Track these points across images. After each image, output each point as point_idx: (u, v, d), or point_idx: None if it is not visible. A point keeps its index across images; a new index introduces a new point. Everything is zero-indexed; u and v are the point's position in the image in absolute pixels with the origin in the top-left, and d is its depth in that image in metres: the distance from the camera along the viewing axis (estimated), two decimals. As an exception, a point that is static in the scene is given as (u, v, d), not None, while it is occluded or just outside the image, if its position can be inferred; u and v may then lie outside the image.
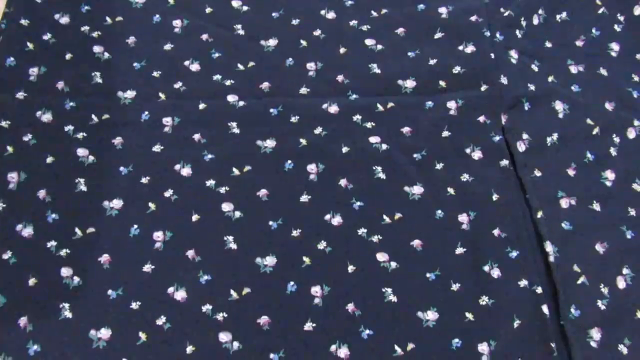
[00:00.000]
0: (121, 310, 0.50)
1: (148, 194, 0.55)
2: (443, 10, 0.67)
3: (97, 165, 0.56)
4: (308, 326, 0.51)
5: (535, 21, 0.67)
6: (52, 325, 0.49)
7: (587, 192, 0.59)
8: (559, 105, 0.63)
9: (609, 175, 0.60)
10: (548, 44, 0.67)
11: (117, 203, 0.55)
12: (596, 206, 0.58)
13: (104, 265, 0.52)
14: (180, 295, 0.51)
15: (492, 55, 0.64)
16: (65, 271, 0.52)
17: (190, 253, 0.53)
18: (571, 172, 0.60)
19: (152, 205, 0.55)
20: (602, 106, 0.64)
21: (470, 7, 0.67)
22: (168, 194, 0.56)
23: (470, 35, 0.65)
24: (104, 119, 0.59)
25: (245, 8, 0.66)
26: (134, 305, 0.51)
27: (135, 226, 0.54)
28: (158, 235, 0.54)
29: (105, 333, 0.49)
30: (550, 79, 0.64)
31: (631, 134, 0.62)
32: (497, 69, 0.63)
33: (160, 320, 0.50)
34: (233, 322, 0.51)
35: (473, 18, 0.66)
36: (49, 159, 0.56)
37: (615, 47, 0.67)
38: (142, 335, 0.50)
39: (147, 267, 0.52)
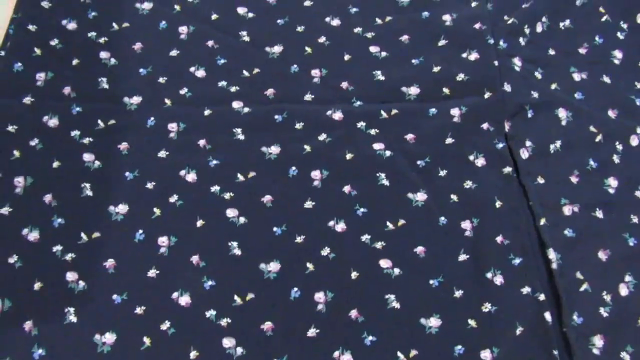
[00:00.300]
0: (126, 315, 0.51)
1: (153, 199, 0.56)
2: (447, 17, 0.67)
3: (103, 170, 0.57)
4: (311, 332, 0.51)
5: (539, 29, 0.68)
6: (57, 330, 0.50)
7: (590, 199, 0.59)
8: (562, 113, 0.63)
9: (612, 182, 0.60)
10: (551, 52, 0.67)
11: (122, 208, 0.55)
12: (599, 213, 0.58)
13: (109, 270, 0.53)
14: (184, 300, 0.52)
15: (496, 63, 0.64)
16: (71, 275, 0.52)
17: (195, 258, 0.54)
18: (574, 180, 0.60)
19: (157, 211, 0.55)
20: (605, 114, 0.64)
21: (474, 14, 0.67)
22: (173, 199, 0.56)
23: (473, 42, 0.65)
24: (110, 125, 0.59)
25: (250, 15, 0.66)
26: (139, 310, 0.51)
27: (140, 231, 0.54)
28: (163, 240, 0.54)
29: (109, 338, 0.50)
30: (553, 86, 0.65)
31: (634, 141, 0.63)
32: (500, 76, 0.63)
33: (165, 325, 0.51)
34: (237, 327, 0.51)
35: (477, 25, 0.66)
36: (55, 164, 0.56)
37: (618, 54, 0.68)
38: (147, 340, 0.50)
39: (152, 272, 0.53)
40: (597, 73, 0.66)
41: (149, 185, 0.56)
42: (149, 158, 0.58)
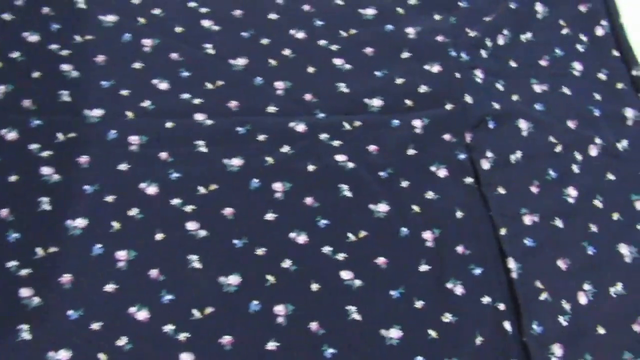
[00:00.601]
0: (81, 331, 0.50)
1: (112, 213, 0.55)
2: (410, 30, 0.68)
3: (62, 184, 0.56)
4: (271, 345, 0.51)
5: (501, 41, 0.69)
6: (10, 347, 0.48)
7: (549, 209, 0.60)
8: (523, 124, 0.64)
9: (571, 192, 0.61)
10: (513, 64, 0.68)
11: (80, 222, 0.54)
12: (558, 223, 0.59)
13: (65, 286, 0.52)
14: (142, 315, 0.51)
15: (458, 75, 0.65)
16: (25, 292, 0.51)
17: (154, 272, 0.53)
18: (534, 190, 0.61)
19: (116, 224, 0.55)
20: (565, 124, 0.65)
21: (436, 27, 0.68)
22: (133, 212, 0.55)
23: (436, 55, 0.66)
24: (70, 138, 0.58)
25: (215, 28, 0.67)
26: (95, 326, 0.50)
27: (99, 245, 0.54)
28: (121, 254, 0.53)
29: (64, 355, 0.49)
30: (514, 97, 0.66)
31: (592, 151, 0.64)
32: (462, 88, 0.64)
33: (121, 341, 0.50)
34: (195, 342, 0.50)
35: (439, 38, 0.67)
36: (13, 178, 0.55)
37: (578, 66, 0.69)
38: (102, 357, 0.49)
39: (109, 287, 0.52)
40: (557, 84, 0.67)
41: (109, 199, 0.56)
42: (109, 171, 0.57)
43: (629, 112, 0.66)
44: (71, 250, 0.53)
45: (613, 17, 0.72)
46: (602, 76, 0.69)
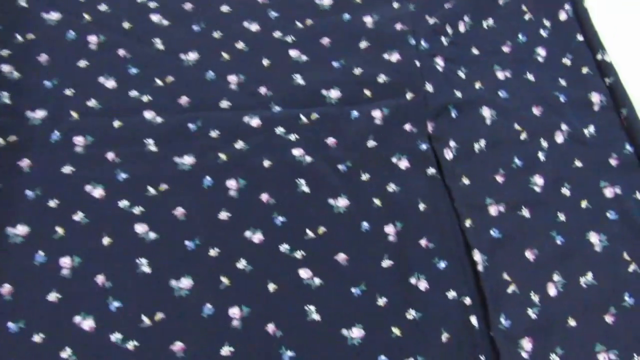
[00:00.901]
0: (22, 345, 0.47)
1: (56, 218, 0.52)
2: (368, 19, 0.66)
3: (2, 190, 0.53)
4: (225, 350, 0.48)
5: (462, 28, 0.67)
6: (-59, 365, 0.46)
7: (515, 198, 0.58)
8: (486, 112, 0.62)
9: (538, 180, 0.59)
10: (475, 51, 0.66)
11: (21, 229, 0.51)
12: (525, 212, 0.57)
13: (5, 297, 0.49)
14: (87, 324, 0.48)
15: (418, 63, 0.63)
16: (-39, 305, 0.48)
17: (100, 279, 0.50)
18: (499, 179, 0.59)
19: (59, 230, 0.52)
20: (530, 111, 0.63)
21: (395, 15, 0.66)
22: (78, 217, 0.53)
23: (395, 43, 0.64)
24: (11, 141, 0.55)
25: (165, 22, 0.64)
26: (37, 338, 0.47)
27: (41, 253, 0.51)
28: (65, 261, 0.51)
29: (2, 370, 0.46)
30: (477, 85, 0.64)
31: (559, 138, 0.62)
32: (422, 76, 0.62)
33: (65, 353, 0.47)
34: (144, 350, 0.48)
35: (398, 26, 0.65)
36: (-52, 185, 0.53)
37: (541, 52, 0.67)
38: (44, 370, 0.46)
39: (52, 296, 0.49)
40: (521, 71, 0.65)
41: (52, 204, 0.53)
42: (53, 174, 0.54)
43: (595, 97, 0.65)
44: (11, 259, 0.50)
45: (577, 0, 0.71)
46: (566, 61, 0.67)
